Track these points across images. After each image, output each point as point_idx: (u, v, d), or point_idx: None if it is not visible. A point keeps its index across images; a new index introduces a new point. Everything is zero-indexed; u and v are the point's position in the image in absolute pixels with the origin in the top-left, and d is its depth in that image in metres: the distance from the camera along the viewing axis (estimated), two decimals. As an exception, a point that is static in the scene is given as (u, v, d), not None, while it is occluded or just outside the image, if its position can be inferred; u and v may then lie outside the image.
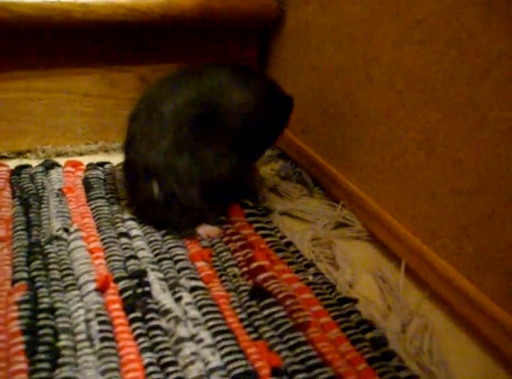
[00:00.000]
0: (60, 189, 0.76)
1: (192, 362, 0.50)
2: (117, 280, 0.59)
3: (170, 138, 0.66)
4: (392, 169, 0.71)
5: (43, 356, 0.49)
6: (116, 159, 0.85)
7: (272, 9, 0.92)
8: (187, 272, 0.62)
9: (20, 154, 0.88)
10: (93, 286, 0.58)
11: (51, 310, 0.55)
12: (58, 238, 0.65)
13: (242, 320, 0.57)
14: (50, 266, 0.61)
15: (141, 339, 0.52)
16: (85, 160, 0.86)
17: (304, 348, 0.53)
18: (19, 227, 0.67)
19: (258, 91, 0.71)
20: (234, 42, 0.95)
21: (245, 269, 0.64)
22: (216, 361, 0.50)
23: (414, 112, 0.67)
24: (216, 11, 0.88)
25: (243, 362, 0.51)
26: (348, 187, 0.79)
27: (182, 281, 0.60)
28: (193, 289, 0.59)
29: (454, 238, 0.63)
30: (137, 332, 0.53)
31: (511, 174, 0.55)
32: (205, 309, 0.57)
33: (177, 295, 0.58)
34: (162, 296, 0.57)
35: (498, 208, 0.57)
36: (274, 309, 0.58)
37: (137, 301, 0.57)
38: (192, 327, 0.54)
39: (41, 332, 0.52)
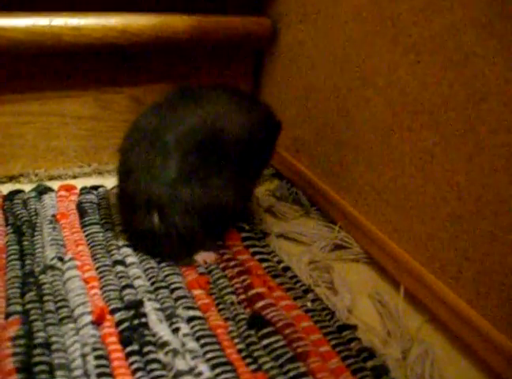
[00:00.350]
0: (53, 216, 0.75)
1: (191, 397, 0.49)
2: (113, 312, 0.58)
3: (176, 167, 0.65)
4: (389, 191, 0.71)
5: (38, 395, 0.48)
6: (110, 181, 0.85)
7: (265, 27, 0.91)
8: (184, 300, 0.61)
9: (12, 178, 0.87)
10: (89, 318, 0.57)
11: (47, 345, 0.54)
12: (52, 267, 0.64)
13: (240, 350, 0.56)
14: (45, 298, 0.60)
15: (138, 374, 0.51)
16: (79, 183, 0.85)
17: (305, 379, 0.52)
18: (12, 257, 0.66)
19: (256, 115, 0.72)
20: (227, 61, 0.95)
21: (243, 297, 0.63)
22: (215, 395, 0.49)
23: (411, 134, 0.66)
24: (209, 31, 0.87)
25: (244, 396, 0.50)
26: (345, 208, 0.78)
27: (179, 311, 0.59)
28: (190, 319, 0.58)
29: (453, 261, 0.62)
30: (135, 366, 0.52)
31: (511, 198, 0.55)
32: (203, 341, 0.56)
33: (174, 326, 0.57)
34: (159, 327, 0.56)
35: (498, 232, 0.57)
36: (273, 338, 0.57)
37: (133, 333, 0.56)
38: (190, 359, 0.53)
39: (36, 368, 0.51)
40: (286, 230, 0.79)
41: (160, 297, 0.62)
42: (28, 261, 0.66)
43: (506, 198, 0.55)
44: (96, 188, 0.84)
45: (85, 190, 0.82)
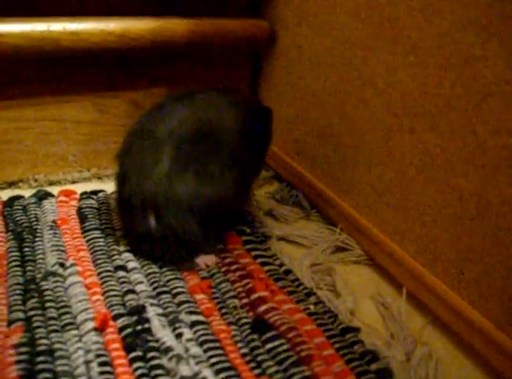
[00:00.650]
0: (54, 221, 0.74)
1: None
2: (115, 318, 0.58)
3: (168, 161, 0.64)
4: (390, 192, 0.71)
5: (43, 403, 0.48)
6: (110, 185, 0.84)
7: (263, 30, 0.91)
8: (187, 305, 0.61)
9: (11, 184, 0.86)
10: (92, 325, 0.57)
11: (50, 352, 0.53)
12: (53, 273, 0.64)
13: (244, 355, 0.56)
14: (47, 304, 0.60)
15: (142, 380, 0.51)
16: (78, 188, 0.85)
17: (309, 383, 0.52)
18: (13, 263, 0.66)
19: (247, 105, 0.74)
20: (225, 64, 0.95)
21: (245, 301, 0.63)
22: (220, 400, 0.49)
23: (411, 136, 0.66)
24: (207, 34, 0.87)
25: (248, 401, 0.50)
26: (346, 210, 0.78)
27: (182, 316, 0.59)
28: (193, 324, 0.58)
29: (455, 262, 0.62)
30: (139, 372, 0.52)
31: (512, 200, 0.55)
32: (206, 346, 0.56)
33: (177, 331, 0.57)
34: (162, 333, 0.56)
35: (500, 233, 0.57)
36: (277, 342, 0.57)
37: (137, 339, 0.55)
38: (194, 365, 0.53)
39: (40, 376, 0.50)
40: (287, 233, 0.78)
41: (162, 302, 0.61)
42: (29, 268, 0.65)
43: (508, 199, 0.55)
44: (95, 193, 0.83)
45: (85, 195, 0.82)
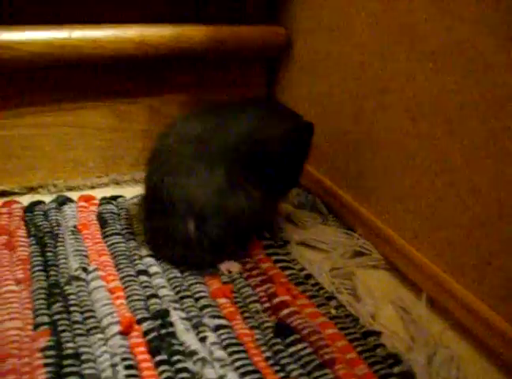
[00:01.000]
0: (75, 226, 0.75)
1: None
2: (140, 321, 0.59)
3: (222, 178, 0.66)
4: (409, 197, 0.71)
5: (72, 405, 0.49)
6: (128, 191, 0.86)
7: (280, 36, 0.92)
8: (210, 309, 0.61)
9: (31, 189, 0.87)
10: (117, 328, 0.57)
11: (76, 356, 0.54)
12: (77, 278, 0.65)
13: (268, 358, 0.56)
14: (72, 308, 0.60)
15: (169, 383, 0.52)
16: (97, 193, 0.86)
17: (334, 386, 0.52)
18: (37, 268, 0.67)
19: (293, 122, 0.74)
20: (242, 69, 0.96)
21: (267, 305, 0.63)
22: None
23: (430, 141, 0.66)
24: (224, 41, 0.88)
25: (274, 404, 0.50)
26: (364, 215, 0.79)
27: (206, 320, 0.60)
28: (217, 328, 0.59)
29: (476, 266, 0.63)
30: (165, 375, 0.52)
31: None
32: (230, 349, 0.56)
33: (201, 335, 0.57)
34: (187, 337, 0.57)
35: (522, 238, 0.57)
36: (300, 346, 0.57)
37: (162, 343, 0.56)
38: (219, 368, 0.53)
39: (68, 379, 0.51)
40: (305, 237, 0.79)
41: (185, 306, 0.62)
42: (52, 272, 0.66)
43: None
44: (115, 198, 0.84)
45: (105, 200, 0.83)
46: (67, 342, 0.56)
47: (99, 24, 0.80)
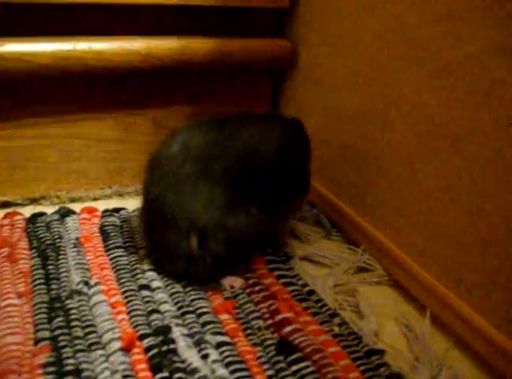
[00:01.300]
0: (77, 239, 0.75)
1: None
2: (141, 338, 0.58)
3: (223, 196, 0.66)
4: (414, 214, 0.71)
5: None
6: (131, 203, 0.85)
7: (286, 49, 0.92)
8: (212, 326, 0.61)
9: (34, 201, 0.87)
10: (118, 344, 0.57)
11: (77, 372, 0.53)
12: (78, 292, 0.64)
13: (270, 377, 0.55)
14: (73, 323, 0.60)
15: (169, 402, 0.51)
16: (100, 205, 0.86)
17: (336, 406, 0.52)
18: (38, 281, 0.66)
19: (289, 137, 0.73)
20: (247, 83, 0.96)
21: (270, 322, 0.63)
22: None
23: (436, 157, 0.66)
24: (230, 54, 0.88)
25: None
26: (367, 230, 0.78)
27: (208, 337, 0.59)
28: (219, 345, 0.58)
29: (481, 285, 0.62)
30: (166, 393, 0.52)
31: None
32: (232, 367, 0.55)
33: (203, 352, 0.57)
34: (188, 354, 0.56)
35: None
36: (302, 364, 0.57)
37: (163, 360, 0.55)
38: (221, 386, 0.53)
39: (69, 396, 0.51)
40: (309, 252, 0.78)
41: (187, 322, 0.61)
42: (53, 286, 0.66)
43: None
44: (117, 210, 0.84)
45: (107, 213, 0.82)
46: (68, 358, 0.55)
47: (104, 36, 0.80)
